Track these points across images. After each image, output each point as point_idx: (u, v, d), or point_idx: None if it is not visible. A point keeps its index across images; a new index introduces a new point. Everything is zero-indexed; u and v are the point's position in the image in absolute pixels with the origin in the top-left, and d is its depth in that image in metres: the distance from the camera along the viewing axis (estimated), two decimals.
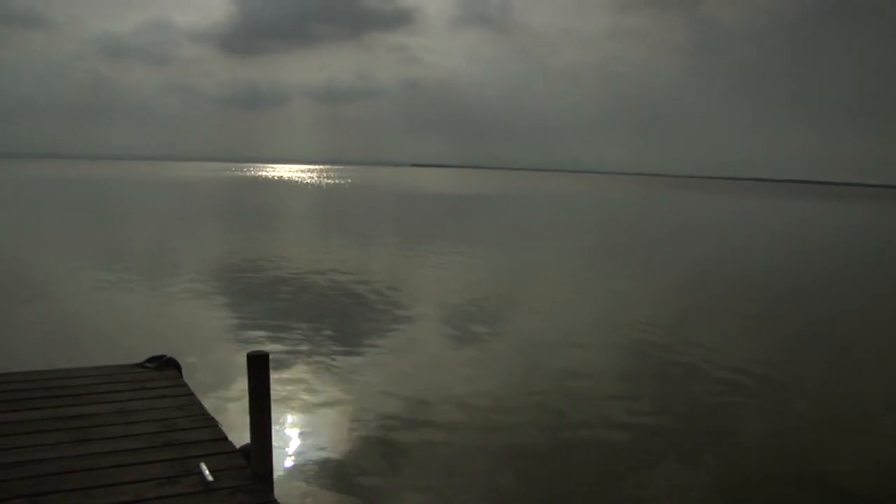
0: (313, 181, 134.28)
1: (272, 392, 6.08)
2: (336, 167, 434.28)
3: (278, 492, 6.15)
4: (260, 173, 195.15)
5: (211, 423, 6.75)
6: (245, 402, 6.17)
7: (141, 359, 8.75)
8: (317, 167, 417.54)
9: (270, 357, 6.10)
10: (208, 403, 7.80)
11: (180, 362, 8.70)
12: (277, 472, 6.97)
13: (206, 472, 5.55)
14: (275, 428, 6.19)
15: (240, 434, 6.99)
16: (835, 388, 12.28)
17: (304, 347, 13.21)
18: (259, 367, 6.00)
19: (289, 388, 10.76)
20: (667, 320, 17.21)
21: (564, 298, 20.12)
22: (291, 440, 8.90)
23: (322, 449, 8.62)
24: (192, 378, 9.14)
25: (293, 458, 8.35)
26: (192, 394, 7.67)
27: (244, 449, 6.19)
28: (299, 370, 11.79)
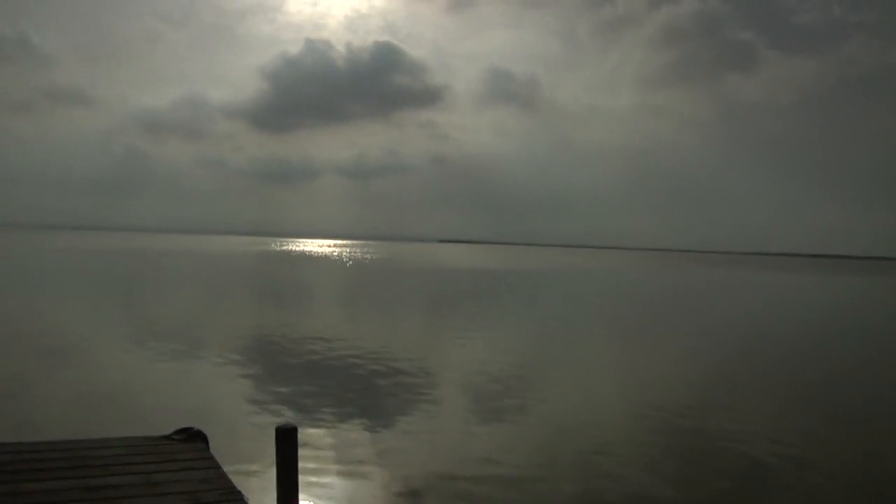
0: (343, 256, 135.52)
1: (300, 466, 6.01)
2: (365, 242, 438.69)
3: None
4: (290, 247, 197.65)
5: (238, 498, 6.65)
6: (273, 476, 6.10)
7: (168, 431, 8.71)
8: (346, 242, 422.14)
9: (299, 431, 6.05)
10: (236, 477, 7.70)
11: (208, 435, 8.65)
12: None
13: None
14: (302, 502, 6.08)
15: None
16: (866, 468, 11.82)
17: (332, 421, 13.08)
18: (287, 441, 5.96)
19: (317, 462, 10.60)
20: (695, 397, 16.82)
21: (591, 374, 19.80)
22: None
23: None
24: (220, 451, 9.04)
25: None
26: (219, 467, 7.59)
27: None
28: (328, 444, 11.64)
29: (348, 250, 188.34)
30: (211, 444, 8.56)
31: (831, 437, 13.93)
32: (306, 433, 11.75)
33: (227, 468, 7.78)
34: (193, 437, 8.47)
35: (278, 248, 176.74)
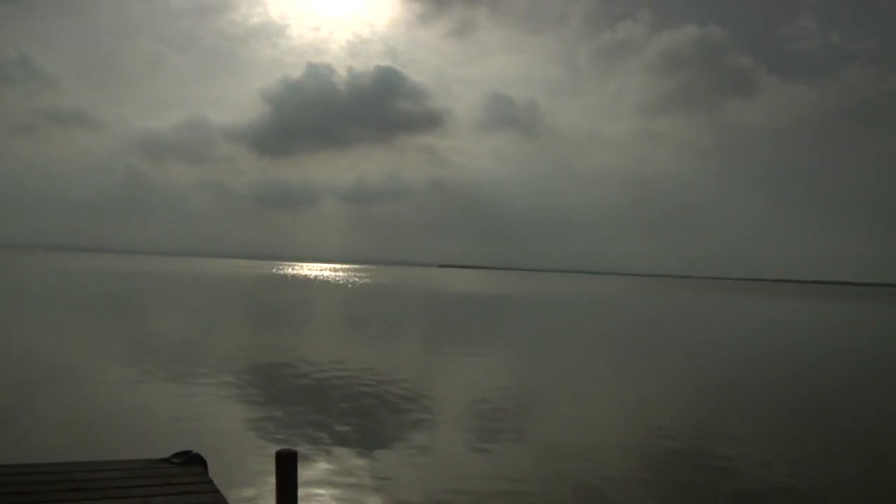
0: (343, 280, 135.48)
1: (300, 491, 5.95)
2: (364, 266, 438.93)
3: None
4: (290, 271, 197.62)
5: None
6: (272, 501, 6.04)
7: (167, 454, 8.64)
8: (346, 266, 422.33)
9: (299, 455, 6.00)
10: (235, 502, 7.62)
11: (207, 459, 8.57)
12: None
13: None
14: None
15: None
16: (858, 486, 11.70)
17: (333, 446, 12.98)
18: (287, 465, 5.91)
19: (317, 487, 10.51)
20: (695, 423, 16.71)
21: (590, 398, 19.68)
22: None
23: None
24: (219, 475, 8.96)
25: None
26: (217, 491, 7.52)
27: None
28: (328, 469, 11.54)
29: (348, 274, 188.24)
30: (210, 467, 8.49)
31: (826, 456, 13.88)
32: (307, 457, 11.67)
33: (226, 492, 7.71)
34: (192, 461, 8.40)
35: (278, 272, 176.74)
